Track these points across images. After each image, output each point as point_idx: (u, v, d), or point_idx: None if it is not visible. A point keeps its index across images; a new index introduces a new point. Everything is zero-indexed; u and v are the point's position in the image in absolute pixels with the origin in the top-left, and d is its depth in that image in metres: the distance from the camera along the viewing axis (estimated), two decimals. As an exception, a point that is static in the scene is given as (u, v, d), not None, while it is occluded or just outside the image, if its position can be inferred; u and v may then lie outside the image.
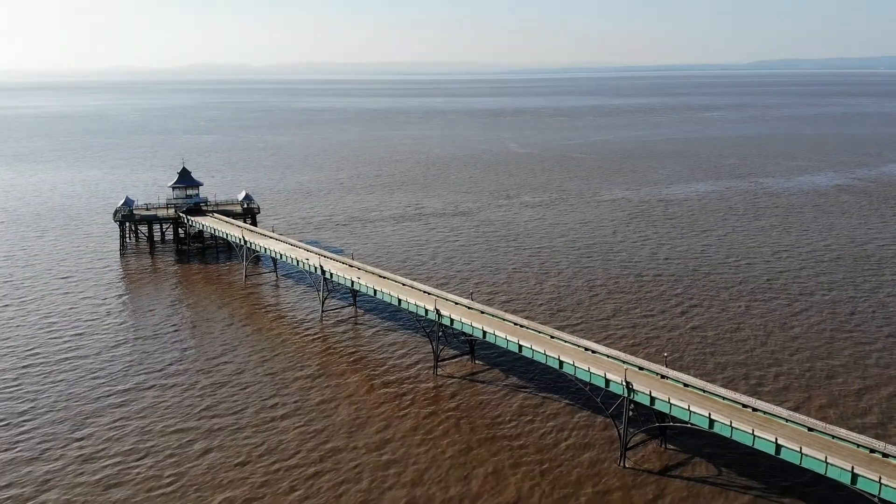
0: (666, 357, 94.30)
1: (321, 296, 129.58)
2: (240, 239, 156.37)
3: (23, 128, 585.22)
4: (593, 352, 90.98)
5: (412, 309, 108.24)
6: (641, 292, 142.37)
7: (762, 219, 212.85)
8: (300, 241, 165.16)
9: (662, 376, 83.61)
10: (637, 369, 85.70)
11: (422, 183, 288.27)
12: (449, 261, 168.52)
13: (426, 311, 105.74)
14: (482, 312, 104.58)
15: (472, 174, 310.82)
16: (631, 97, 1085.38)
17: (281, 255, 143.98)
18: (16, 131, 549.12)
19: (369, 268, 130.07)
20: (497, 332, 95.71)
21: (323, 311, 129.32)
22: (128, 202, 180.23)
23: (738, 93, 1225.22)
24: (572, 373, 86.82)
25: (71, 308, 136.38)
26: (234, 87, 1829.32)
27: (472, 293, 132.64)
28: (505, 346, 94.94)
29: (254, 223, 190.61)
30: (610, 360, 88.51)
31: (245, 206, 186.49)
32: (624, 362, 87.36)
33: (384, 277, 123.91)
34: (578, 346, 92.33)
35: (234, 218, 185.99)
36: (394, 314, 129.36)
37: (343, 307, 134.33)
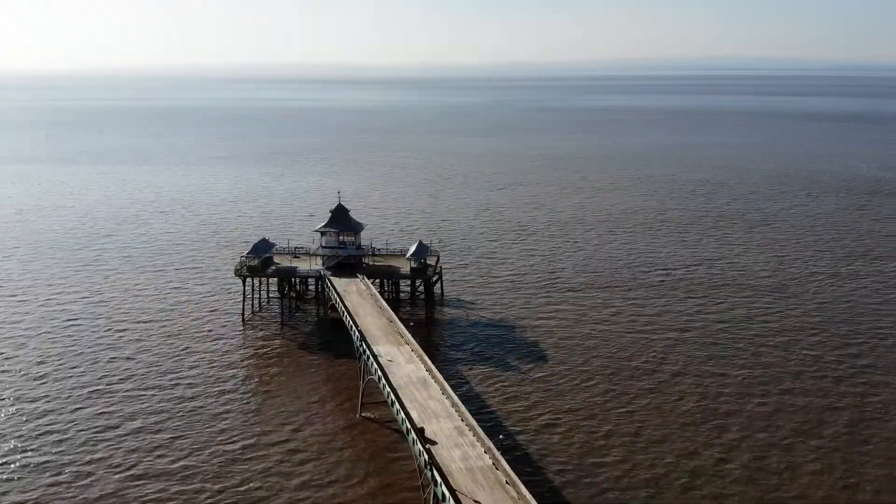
0: None
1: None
2: (358, 339, 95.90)
3: (313, 120, 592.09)
4: None
5: None
6: None
7: None
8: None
9: None
10: None
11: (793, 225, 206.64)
12: None
13: None
14: None
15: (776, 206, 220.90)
16: None
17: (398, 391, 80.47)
18: (305, 123, 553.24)
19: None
20: None
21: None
22: (259, 248, 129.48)
23: None
24: None
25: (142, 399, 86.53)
26: (532, 85, 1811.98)
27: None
28: None
29: (428, 292, 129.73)
30: None
31: (419, 262, 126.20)
32: None
33: None
34: None
35: (394, 280, 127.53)
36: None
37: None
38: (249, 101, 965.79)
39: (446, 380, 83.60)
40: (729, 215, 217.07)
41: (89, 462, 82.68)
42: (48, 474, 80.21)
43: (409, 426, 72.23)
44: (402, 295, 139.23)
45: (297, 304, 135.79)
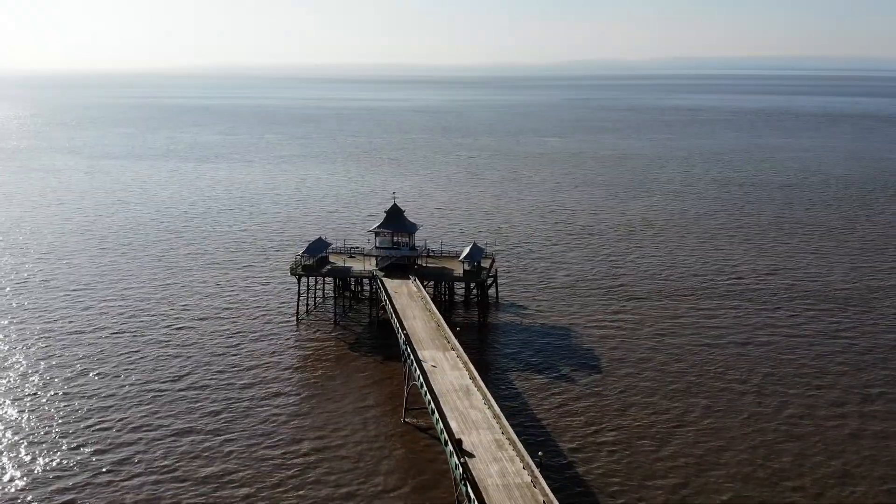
0: None
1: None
2: (403, 343, 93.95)
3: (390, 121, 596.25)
4: None
5: None
6: None
7: None
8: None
9: None
10: None
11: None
12: None
13: None
14: None
15: None
16: None
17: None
18: (376, 123, 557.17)
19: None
20: None
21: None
22: (315, 248, 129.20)
23: None
24: None
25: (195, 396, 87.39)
26: (607, 84, 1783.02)
27: None
28: None
29: (482, 295, 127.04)
30: None
31: (473, 265, 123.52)
32: None
33: None
34: None
35: (450, 283, 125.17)
36: None
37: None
38: (323, 101, 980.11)
39: (493, 388, 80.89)
40: (808, 221, 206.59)
41: (136, 461, 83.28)
42: (88, 472, 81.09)
43: (446, 437, 69.77)
44: (457, 298, 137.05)
45: (351, 305, 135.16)
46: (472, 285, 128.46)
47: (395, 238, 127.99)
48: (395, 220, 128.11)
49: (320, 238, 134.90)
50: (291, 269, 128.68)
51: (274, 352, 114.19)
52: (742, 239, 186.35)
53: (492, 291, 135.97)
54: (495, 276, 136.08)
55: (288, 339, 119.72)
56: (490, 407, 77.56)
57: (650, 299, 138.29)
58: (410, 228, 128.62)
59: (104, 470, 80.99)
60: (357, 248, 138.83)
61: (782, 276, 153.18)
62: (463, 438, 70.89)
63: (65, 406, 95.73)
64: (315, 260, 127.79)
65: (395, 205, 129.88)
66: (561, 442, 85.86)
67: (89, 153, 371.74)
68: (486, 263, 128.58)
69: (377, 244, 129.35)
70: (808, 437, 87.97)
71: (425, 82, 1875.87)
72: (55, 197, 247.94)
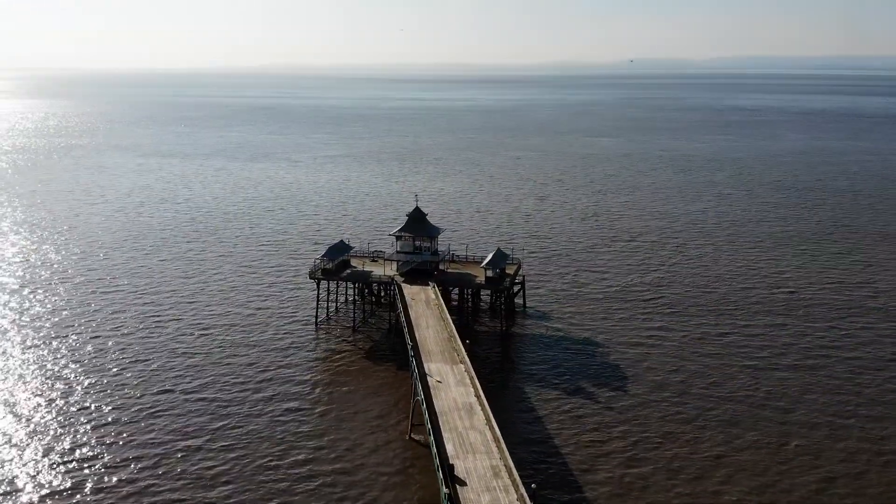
0: None
1: None
2: (411, 355, 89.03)
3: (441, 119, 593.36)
4: None
5: None
6: None
7: None
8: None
9: None
10: None
11: None
12: None
13: None
14: None
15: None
16: None
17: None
18: (430, 123, 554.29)
19: None
20: None
21: None
22: (334, 251, 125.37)
23: None
24: None
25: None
26: (666, 83, 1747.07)
27: None
28: None
29: (508, 302, 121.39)
30: None
31: (494, 272, 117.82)
32: None
33: None
34: None
35: (474, 290, 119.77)
36: None
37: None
38: (378, 100, 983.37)
39: (502, 407, 75.66)
40: (873, 231, 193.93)
41: (142, 468, 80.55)
42: (97, 480, 78.59)
43: (437, 463, 64.67)
44: (483, 305, 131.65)
45: (373, 310, 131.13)
46: (500, 297, 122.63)
47: (417, 242, 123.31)
48: (417, 223, 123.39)
49: (342, 241, 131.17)
50: (310, 273, 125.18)
51: (287, 358, 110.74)
52: (800, 249, 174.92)
53: (519, 299, 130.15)
54: (522, 284, 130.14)
55: (306, 345, 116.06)
56: (491, 429, 72.11)
57: (696, 314, 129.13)
58: (432, 232, 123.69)
59: (97, 480, 78.40)
60: (380, 251, 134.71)
61: (843, 292, 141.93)
62: (457, 464, 65.72)
63: (73, 410, 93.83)
64: (335, 263, 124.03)
65: (417, 208, 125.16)
66: (566, 474, 78.76)
67: (141, 151, 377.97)
68: (511, 270, 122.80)
69: (398, 248, 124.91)
70: (879, 483, 79.52)
71: (482, 81, 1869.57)
72: (100, 194, 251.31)
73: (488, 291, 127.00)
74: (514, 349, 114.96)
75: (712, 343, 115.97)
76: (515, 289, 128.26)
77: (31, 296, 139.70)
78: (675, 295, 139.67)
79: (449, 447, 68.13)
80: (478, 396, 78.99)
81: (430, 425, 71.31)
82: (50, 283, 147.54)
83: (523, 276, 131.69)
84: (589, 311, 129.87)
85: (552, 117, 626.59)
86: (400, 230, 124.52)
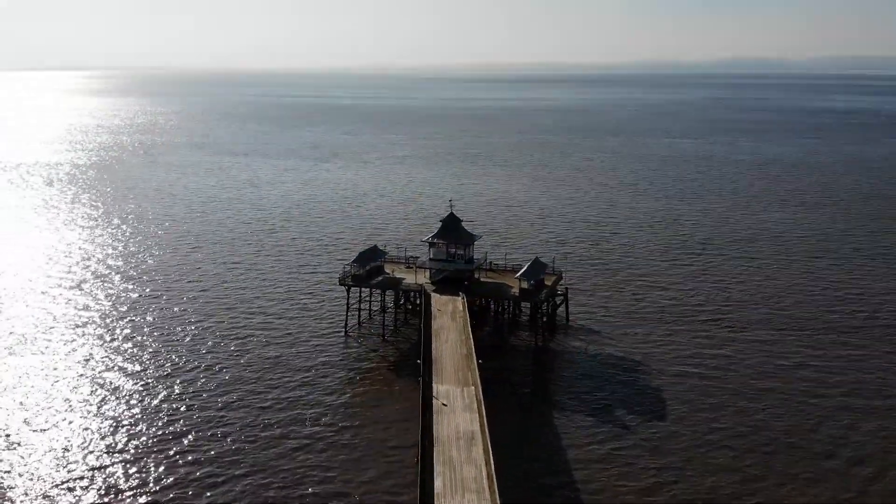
0: None
1: None
2: (421, 372, 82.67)
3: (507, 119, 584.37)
4: None
5: None
6: None
7: None
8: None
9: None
10: None
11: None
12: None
13: None
14: None
15: None
16: None
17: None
18: (506, 123, 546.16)
19: None
20: None
21: None
22: (365, 257, 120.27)
23: None
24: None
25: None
26: (754, 83, 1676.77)
27: None
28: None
29: (549, 315, 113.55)
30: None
31: (529, 283, 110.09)
32: None
33: None
34: None
35: (509, 302, 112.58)
36: None
37: None
38: (456, 101, 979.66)
39: (515, 435, 68.71)
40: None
41: (154, 479, 77.45)
42: (108, 489, 75.90)
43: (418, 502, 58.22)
44: (522, 318, 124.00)
45: (406, 319, 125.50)
46: (530, 305, 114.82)
47: (451, 249, 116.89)
48: (451, 230, 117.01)
49: (375, 246, 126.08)
50: (340, 279, 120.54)
51: (311, 366, 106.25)
52: (888, 265, 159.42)
53: (562, 311, 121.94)
54: (565, 296, 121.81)
55: (334, 354, 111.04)
56: (487, 464, 65.04)
57: (757, 332, 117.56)
58: (467, 240, 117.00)
59: (109, 487, 75.58)
60: (415, 257, 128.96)
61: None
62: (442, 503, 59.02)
63: (91, 413, 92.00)
64: (366, 270, 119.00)
65: (451, 213, 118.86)
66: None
67: (216, 150, 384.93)
68: (550, 280, 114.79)
69: (431, 255, 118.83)
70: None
71: (565, 81, 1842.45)
72: (169, 192, 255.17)
73: (528, 303, 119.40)
74: (545, 368, 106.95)
75: (776, 367, 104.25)
76: (556, 300, 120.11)
77: (83, 291, 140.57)
78: (741, 312, 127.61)
79: (437, 483, 61.60)
80: (482, 425, 71.99)
81: (419, 457, 64.92)
82: (97, 280, 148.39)
83: (566, 288, 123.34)
84: (640, 329, 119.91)
85: (631, 117, 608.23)
86: (433, 237, 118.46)
